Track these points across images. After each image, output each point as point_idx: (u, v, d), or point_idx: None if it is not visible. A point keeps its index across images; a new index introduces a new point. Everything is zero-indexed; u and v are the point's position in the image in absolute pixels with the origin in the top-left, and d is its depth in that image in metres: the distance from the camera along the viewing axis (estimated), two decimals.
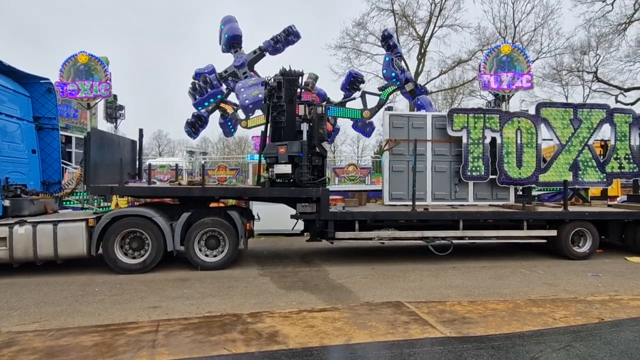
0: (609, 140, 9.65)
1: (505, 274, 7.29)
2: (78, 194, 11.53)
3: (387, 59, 11.18)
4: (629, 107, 19.51)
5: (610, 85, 27.03)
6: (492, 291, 6.19)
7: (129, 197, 9.98)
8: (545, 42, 28.06)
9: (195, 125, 12.16)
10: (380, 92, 11.95)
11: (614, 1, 25.00)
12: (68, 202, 11.62)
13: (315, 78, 11.81)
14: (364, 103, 11.92)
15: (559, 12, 28.28)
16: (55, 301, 5.70)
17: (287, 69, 8.24)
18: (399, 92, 12.61)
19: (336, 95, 13.03)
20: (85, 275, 7.22)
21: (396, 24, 28.31)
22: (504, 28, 28.13)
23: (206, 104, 11.44)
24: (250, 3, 74.47)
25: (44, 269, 7.43)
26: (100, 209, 11.15)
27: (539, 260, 8.46)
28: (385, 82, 12.23)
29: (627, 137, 9.45)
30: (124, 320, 4.85)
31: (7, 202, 7.29)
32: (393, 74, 11.14)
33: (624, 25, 25.26)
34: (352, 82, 12.73)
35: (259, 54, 10.82)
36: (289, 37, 10.47)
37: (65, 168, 11.97)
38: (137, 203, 9.46)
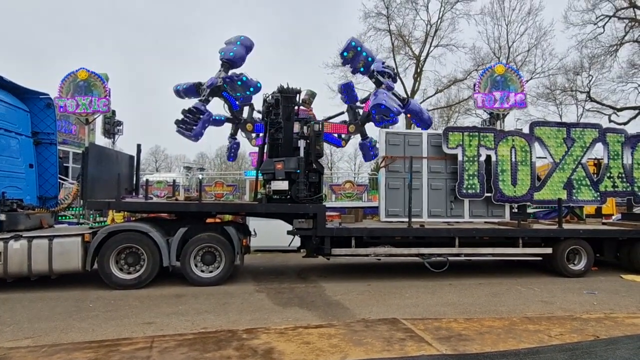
0: (602, 159, 9.78)
1: (501, 291, 7.29)
2: (74, 208, 11.50)
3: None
4: (621, 126, 19.81)
5: (603, 105, 27.49)
6: (488, 308, 6.19)
7: (126, 213, 9.96)
8: (538, 62, 28.66)
9: (187, 122, 11.27)
10: (362, 105, 11.89)
11: (605, 24, 25.66)
12: (64, 217, 11.57)
13: (313, 95, 11.91)
14: (350, 117, 11.92)
15: (552, 34, 28.93)
16: (49, 317, 5.65)
17: (285, 86, 8.37)
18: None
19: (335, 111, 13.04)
20: (79, 290, 7.16)
21: (392, 44, 28.86)
22: (498, 48, 28.73)
23: (179, 87, 11.20)
24: (250, 19, 75.80)
25: (37, 284, 7.37)
26: (96, 224, 11.10)
27: (535, 278, 8.47)
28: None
29: (619, 156, 9.59)
30: (118, 337, 4.81)
31: (3, 217, 7.27)
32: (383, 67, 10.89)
33: (615, 47, 25.85)
34: (352, 90, 12.71)
35: (221, 85, 10.82)
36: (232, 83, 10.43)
37: (62, 183, 11.96)
38: (134, 218, 9.44)
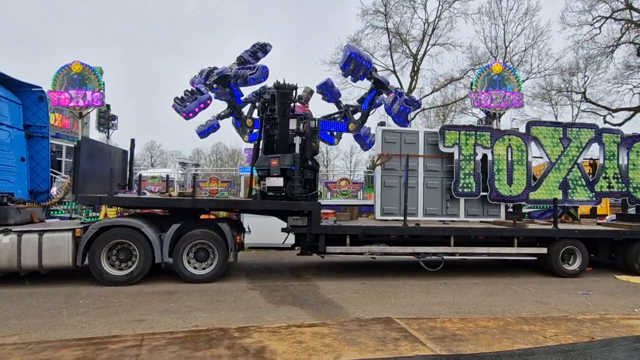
0: (597, 160, 9.77)
1: (496, 291, 7.26)
2: (66, 203, 11.36)
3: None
4: (616, 127, 19.86)
5: (599, 105, 27.57)
6: (483, 308, 6.16)
7: (118, 208, 9.84)
8: (535, 62, 28.74)
9: (184, 100, 10.86)
10: (359, 104, 11.73)
11: (601, 25, 25.71)
12: (56, 212, 11.44)
13: (310, 92, 11.77)
14: (349, 116, 11.78)
15: (549, 34, 29.06)
16: (37, 313, 5.55)
17: (281, 82, 8.27)
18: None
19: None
20: (69, 286, 7.05)
21: (390, 42, 28.81)
22: (495, 48, 28.75)
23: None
24: (248, 15, 75.45)
25: (27, 279, 7.26)
26: (89, 219, 10.97)
27: (530, 278, 8.46)
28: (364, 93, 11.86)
29: (615, 157, 9.58)
30: (107, 334, 4.72)
31: None
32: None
33: (611, 48, 25.92)
34: (332, 87, 12.44)
35: (229, 75, 10.67)
36: (257, 53, 10.28)
37: (54, 177, 11.81)
38: (126, 214, 9.33)
